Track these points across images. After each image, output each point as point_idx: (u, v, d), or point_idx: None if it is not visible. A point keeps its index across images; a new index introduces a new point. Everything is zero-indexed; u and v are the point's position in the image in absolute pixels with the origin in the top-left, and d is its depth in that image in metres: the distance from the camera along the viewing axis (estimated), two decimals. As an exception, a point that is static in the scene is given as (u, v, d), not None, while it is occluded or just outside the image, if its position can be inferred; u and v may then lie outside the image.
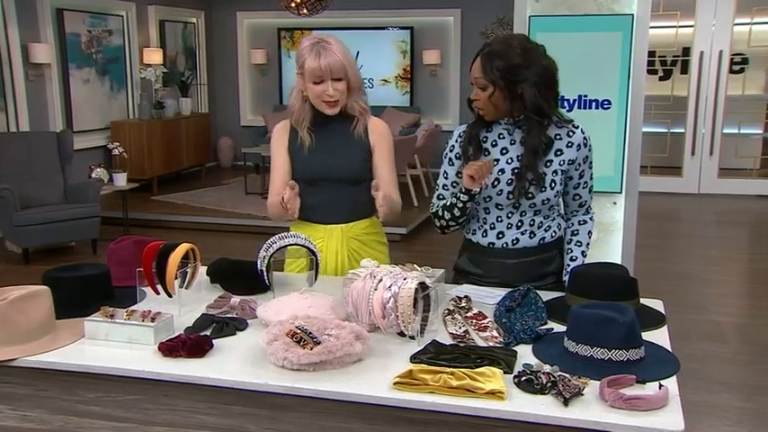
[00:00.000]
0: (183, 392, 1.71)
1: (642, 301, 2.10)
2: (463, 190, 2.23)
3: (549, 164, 2.23)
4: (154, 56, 8.99)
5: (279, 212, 2.42)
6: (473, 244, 2.37)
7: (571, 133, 2.24)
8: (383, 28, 9.83)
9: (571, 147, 2.24)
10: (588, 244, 2.37)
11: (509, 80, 2.14)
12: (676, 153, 8.92)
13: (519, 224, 2.28)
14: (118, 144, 7.55)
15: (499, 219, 2.30)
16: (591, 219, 2.39)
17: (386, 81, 9.99)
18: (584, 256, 2.35)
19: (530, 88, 2.14)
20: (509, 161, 2.25)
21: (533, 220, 2.28)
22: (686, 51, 8.81)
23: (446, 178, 2.38)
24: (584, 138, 2.26)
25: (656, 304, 2.14)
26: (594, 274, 2.10)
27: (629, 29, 3.53)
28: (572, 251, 2.34)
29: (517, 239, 2.30)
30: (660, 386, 1.53)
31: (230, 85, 10.71)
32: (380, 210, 2.30)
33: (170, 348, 1.76)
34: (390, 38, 9.89)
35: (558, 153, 2.24)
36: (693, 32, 8.69)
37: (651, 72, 8.67)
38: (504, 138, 2.27)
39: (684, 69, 8.90)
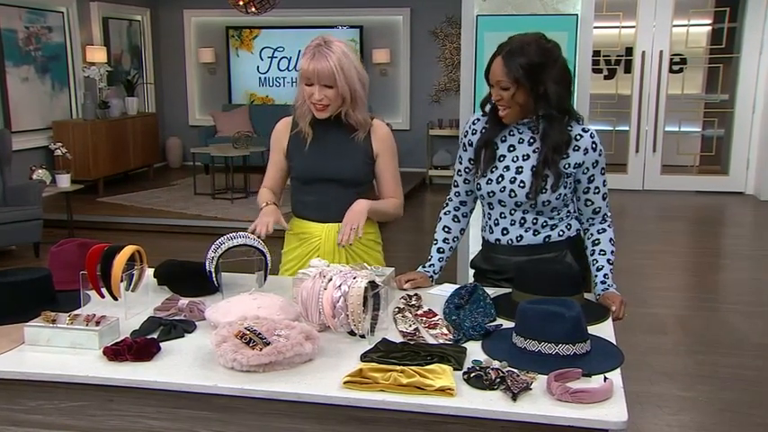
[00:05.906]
0: (131, 397, 1.67)
1: (587, 295, 2.15)
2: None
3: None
4: (97, 54, 8.76)
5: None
6: (484, 240, 2.37)
7: (579, 136, 2.18)
8: (332, 27, 9.79)
9: (578, 150, 2.18)
10: (613, 252, 2.26)
11: (532, 78, 2.10)
12: (622, 150, 9.15)
13: (522, 221, 2.25)
14: (61, 144, 7.32)
15: (502, 215, 2.27)
16: (609, 226, 2.29)
17: (336, 80, 9.97)
18: (611, 264, 2.24)
19: (553, 85, 2.11)
20: (515, 159, 2.23)
21: (536, 218, 2.24)
22: (629, 51, 9.04)
23: (460, 163, 2.38)
24: (593, 142, 2.19)
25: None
26: (541, 270, 2.14)
27: (574, 29, 3.61)
28: (597, 261, 2.25)
29: (521, 236, 2.26)
30: (605, 379, 1.57)
31: (178, 84, 10.51)
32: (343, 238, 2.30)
33: (115, 352, 1.72)
34: (340, 36, 9.81)
35: (564, 156, 2.18)
36: (635, 33, 8.92)
37: (596, 71, 8.86)
38: (513, 135, 2.24)
39: (628, 69, 9.13)
